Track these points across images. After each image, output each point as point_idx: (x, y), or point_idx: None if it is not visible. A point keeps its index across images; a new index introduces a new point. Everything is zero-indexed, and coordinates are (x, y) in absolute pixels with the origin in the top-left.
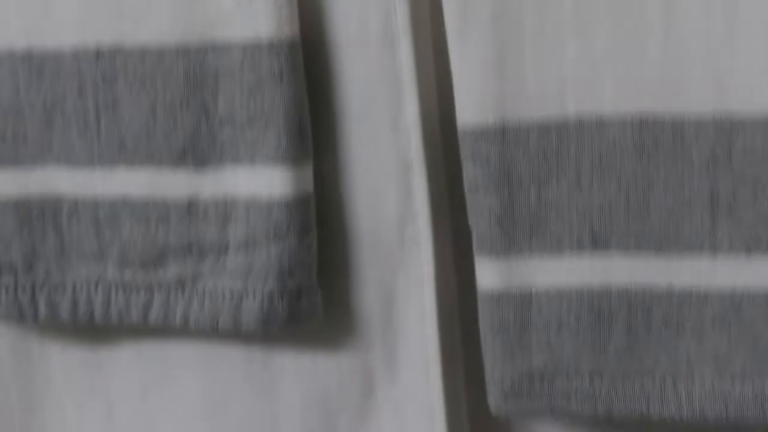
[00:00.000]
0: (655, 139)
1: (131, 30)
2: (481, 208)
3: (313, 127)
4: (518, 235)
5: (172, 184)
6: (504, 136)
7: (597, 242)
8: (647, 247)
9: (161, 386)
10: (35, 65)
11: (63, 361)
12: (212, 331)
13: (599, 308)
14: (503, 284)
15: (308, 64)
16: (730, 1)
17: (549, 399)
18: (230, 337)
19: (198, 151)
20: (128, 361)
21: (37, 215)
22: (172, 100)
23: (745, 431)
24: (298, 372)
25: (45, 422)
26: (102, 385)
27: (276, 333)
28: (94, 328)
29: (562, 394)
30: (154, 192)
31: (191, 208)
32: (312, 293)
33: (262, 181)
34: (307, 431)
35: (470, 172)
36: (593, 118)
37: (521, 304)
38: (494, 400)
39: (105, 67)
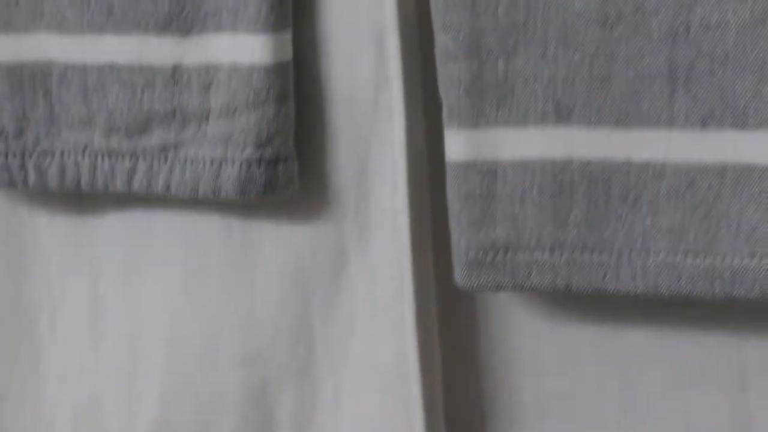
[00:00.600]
0: (617, 11)
1: None
2: (450, 78)
3: None
4: (486, 106)
5: (158, 50)
6: (474, 5)
7: (560, 114)
8: (608, 120)
9: (144, 256)
10: None
11: (51, 231)
12: (192, 198)
13: (561, 180)
14: (470, 155)
15: None
16: None
17: (511, 271)
18: (210, 207)
19: (183, 18)
20: (113, 232)
21: (28, 81)
22: None
23: (697, 304)
24: (275, 240)
25: (32, 292)
26: (88, 255)
27: (254, 202)
28: (81, 200)
29: (524, 267)
30: (141, 58)
31: (175, 74)
32: (289, 161)
33: (243, 49)
34: (282, 299)
35: (441, 42)
36: None
37: (487, 175)
38: (459, 271)
39: None
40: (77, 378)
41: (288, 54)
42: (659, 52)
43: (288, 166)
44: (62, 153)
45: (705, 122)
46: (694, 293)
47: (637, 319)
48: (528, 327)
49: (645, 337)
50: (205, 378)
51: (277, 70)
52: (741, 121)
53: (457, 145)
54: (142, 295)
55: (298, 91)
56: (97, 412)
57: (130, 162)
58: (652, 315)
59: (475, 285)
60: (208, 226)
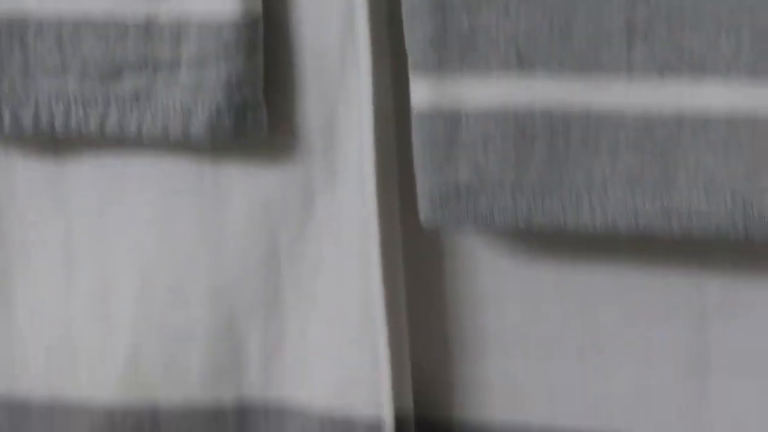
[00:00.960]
0: None
1: None
2: (416, 32)
3: None
4: (450, 57)
5: (131, 4)
6: None
7: (522, 64)
8: (568, 69)
9: (117, 198)
10: None
11: (26, 176)
12: (164, 142)
13: (523, 127)
14: (435, 102)
15: None
16: None
17: (474, 212)
18: (182, 152)
19: None
20: (87, 176)
21: (5, 33)
22: None
23: (657, 244)
24: (244, 185)
25: (7, 234)
26: (62, 198)
27: (224, 147)
28: (56, 145)
29: (486, 208)
30: (114, 11)
31: (148, 27)
32: (257, 108)
33: (215, 2)
34: (250, 237)
35: None
36: None
37: (451, 121)
38: (423, 211)
39: None
40: (50, 315)
41: (258, 8)
42: (618, 6)
43: (256, 113)
44: (37, 99)
45: (662, 71)
46: (652, 231)
47: (598, 258)
48: (492, 265)
49: (606, 276)
50: (175, 312)
51: (246, 23)
52: (698, 71)
53: (422, 93)
54: (115, 234)
55: (267, 44)
56: (69, 348)
57: (103, 107)
58: (613, 254)
59: (439, 224)
60: (180, 169)
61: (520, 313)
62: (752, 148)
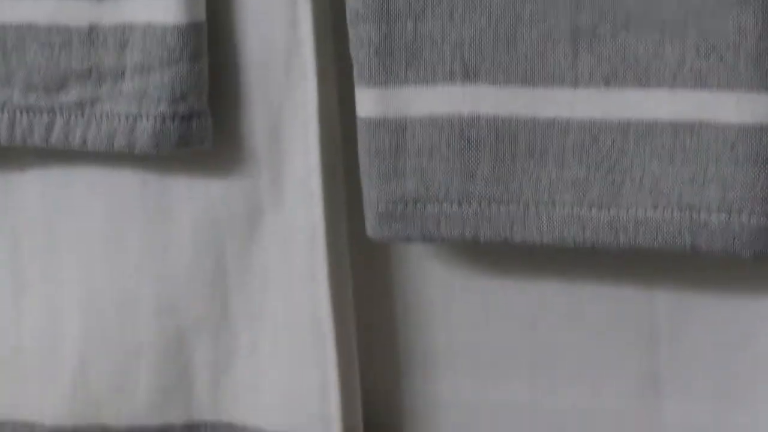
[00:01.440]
0: None
1: None
2: (361, 39)
3: None
4: (395, 66)
5: (75, 11)
6: None
7: (468, 73)
8: (514, 78)
9: (64, 209)
10: None
11: None
12: (109, 152)
13: (468, 136)
14: (380, 112)
15: None
16: None
17: (420, 223)
18: (128, 162)
19: None
20: (33, 187)
21: None
22: None
23: (606, 258)
24: (190, 196)
25: None
26: (8, 210)
27: (170, 158)
28: (1, 153)
29: (433, 219)
30: (58, 19)
31: (92, 34)
32: (203, 117)
33: (158, 9)
34: (197, 251)
35: (352, 5)
36: None
37: (397, 130)
38: (370, 223)
39: None
40: None
41: (201, 14)
42: (563, 14)
43: (201, 122)
44: None
45: (608, 80)
46: (599, 243)
47: (546, 272)
48: (440, 280)
49: (555, 290)
50: (123, 328)
51: (190, 30)
52: (643, 80)
53: (367, 103)
54: (62, 248)
55: (212, 51)
56: (18, 364)
57: (48, 117)
58: (562, 268)
59: (386, 236)
60: (126, 180)
61: (469, 329)
62: (698, 157)
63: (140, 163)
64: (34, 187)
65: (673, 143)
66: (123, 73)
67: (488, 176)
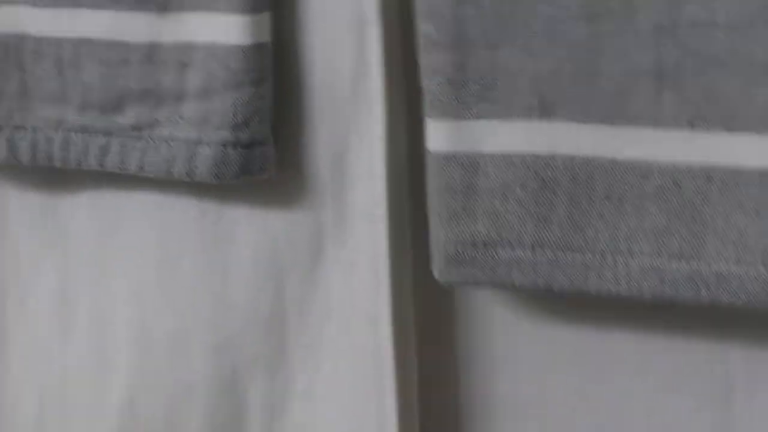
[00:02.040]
0: (605, 6)
1: None
2: (433, 68)
3: None
4: (468, 98)
5: (134, 27)
6: None
7: (545, 108)
8: (593, 116)
9: (116, 235)
10: None
11: (21, 208)
12: (166, 179)
13: (544, 176)
14: (451, 146)
15: None
16: None
17: (491, 268)
18: (185, 189)
19: None
20: (85, 211)
21: (2, 54)
22: None
23: (680, 309)
24: (250, 226)
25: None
26: (58, 234)
27: (230, 185)
28: (53, 176)
29: (504, 265)
30: (116, 34)
31: (151, 52)
32: (266, 145)
33: (221, 29)
34: (256, 286)
35: (424, 30)
36: None
37: (468, 167)
38: (438, 265)
39: None
40: (45, 360)
41: (266, 36)
42: (647, 49)
43: (264, 150)
44: (35, 128)
45: (693, 122)
46: (678, 298)
47: (619, 323)
48: (507, 326)
49: (626, 342)
50: (175, 365)
51: (255, 51)
52: (730, 123)
53: (438, 136)
54: (113, 277)
55: (276, 74)
56: (63, 396)
57: (103, 139)
58: (635, 319)
59: (454, 280)
60: (182, 208)
61: (535, 380)
62: None
63: (197, 188)
64: (86, 209)
65: (760, 194)
66: (183, 96)
67: (564, 221)
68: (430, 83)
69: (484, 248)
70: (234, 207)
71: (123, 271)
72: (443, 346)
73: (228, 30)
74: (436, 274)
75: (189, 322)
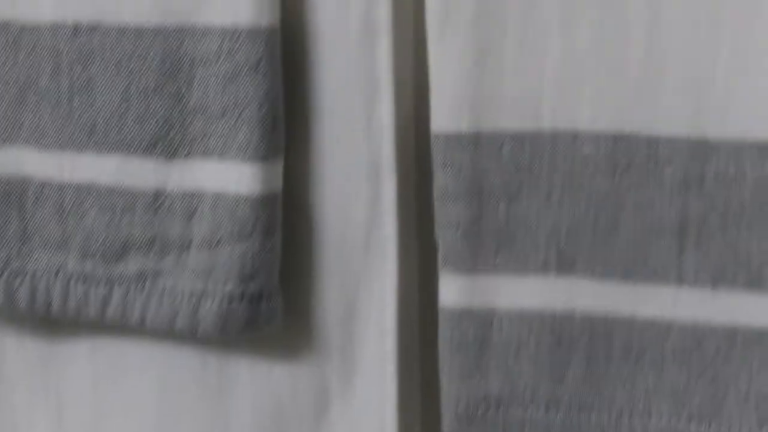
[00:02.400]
0: (628, 157)
1: (111, 8)
2: (449, 219)
3: (285, 122)
4: (484, 252)
5: (140, 173)
6: (477, 144)
7: (563, 264)
8: (613, 272)
9: (114, 385)
10: (12, 37)
11: (18, 356)
12: (168, 332)
13: (560, 333)
14: (465, 301)
15: (285, 56)
16: (713, 24)
17: (503, 428)
18: (186, 339)
19: (168, 141)
20: (82, 357)
21: (2, 196)
22: (147, 84)
23: None
24: (252, 380)
25: None
26: (54, 381)
27: (233, 336)
28: (52, 324)
29: (517, 424)
30: (122, 180)
31: (157, 199)
32: (273, 297)
33: (231, 177)
34: None
35: (441, 181)
36: (568, 132)
37: (482, 323)
38: (448, 423)
39: (82, 45)
40: None
41: (278, 185)
42: (670, 203)
43: (272, 303)
44: (34, 274)
45: (716, 281)
46: None
47: None
48: None
49: None
50: None
51: (265, 201)
52: (755, 283)
53: (451, 291)
54: (109, 426)
55: (285, 222)
56: None
57: (105, 289)
58: None
59: None
60: (183, 358)
61: None
62: None
63: (200, 338)
64: (84, 358)
65: None
66: (189, 245)
67: (579, 379)
68: (445, 235)
69: (496, 407)
70: (237, 359)
71: (120, 421)
72: None
73: (238, 179)
74: (446, 431)
75: None
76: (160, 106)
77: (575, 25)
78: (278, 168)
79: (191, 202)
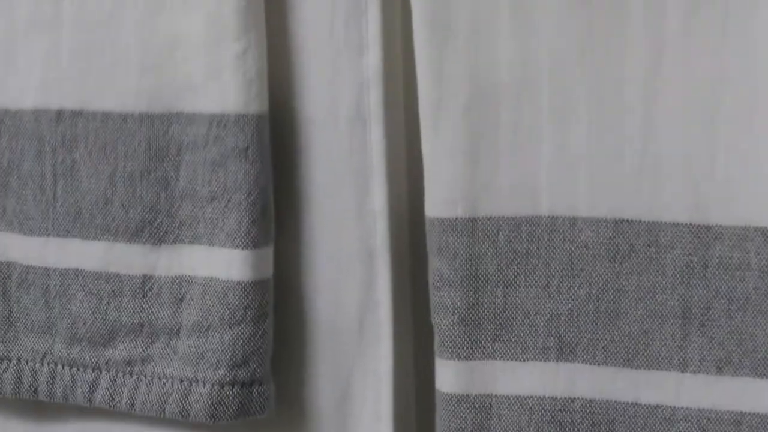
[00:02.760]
0: (629, 244)
1: (95, 95)
2: (444, 305)
3: (275, 206)
4: (482, 338)
5: (127, 258)
6: (473, 230)
7: (563, 351)
8: (615, 359)
9: None
10: None
11: None
12: (159, 418)
13: (561, 420)
14: (463, 388)
15: (274, 141)
16: (710, 116)
17: None
18: (175, 422)
19: (156, 227)
20: None
21: None
22: (133, 169)
23: None
24: None
25: None
26: None
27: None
28: (39, 407)
29: None
30: (108, 266)
31: (145, 284)
32: (265, 384)
33: (220, 263)
34: None
35: (436, 267)
36: (566, 219)
37: (480, 410)
38: None
39: (65, 130)
40: None
41: (268, 271)
42: (673, 289)
43: (263, 389)
44: (19, 360)
45: (721, 367)
46: None
47: None
48: None
49: None
50: None
51: (255, 288)
52: (761, 369)
53: (448, 377)
54: None
55: (277, 307)
56: None
57: (92, 374)
58: None
59: None
60: None
61: None
62: None
63: (190, 423)
64: None
65: None
66: (178, 331)
67: None
68: (441, 321)
69: None
70: None
71: None
72: None
73: (227, 265)
74: None
75: None
76: (147, 191)
77: (569, 115)
78: (269, 254)
79: (180, 287)
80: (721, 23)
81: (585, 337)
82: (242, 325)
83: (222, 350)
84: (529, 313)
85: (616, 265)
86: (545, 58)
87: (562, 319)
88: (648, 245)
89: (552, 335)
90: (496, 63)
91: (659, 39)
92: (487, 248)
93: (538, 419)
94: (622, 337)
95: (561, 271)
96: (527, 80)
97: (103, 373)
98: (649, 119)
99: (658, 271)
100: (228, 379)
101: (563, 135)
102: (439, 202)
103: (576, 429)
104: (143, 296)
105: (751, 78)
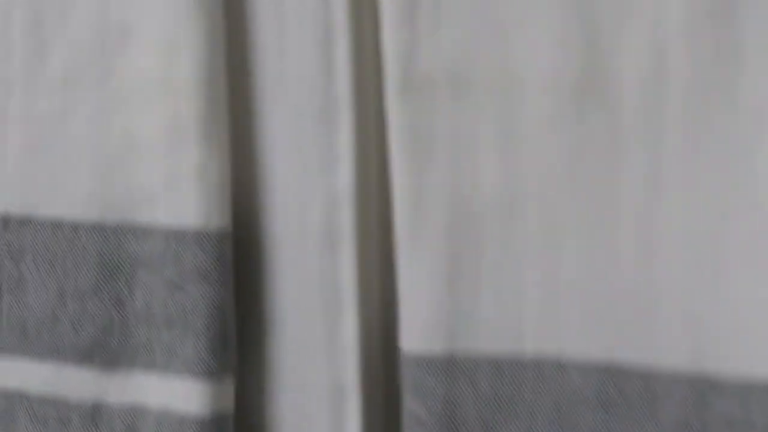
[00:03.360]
0: (621, 392)
1: (44, 201)
2: None
3: (237, 335)
4: None
5: (76, 383)
6: (451, 370)
7: None
8: None
9: None
10: None
11: None
12: None
13: None
14: None
15: (237, 262)
16: (713, 254)
17: None
18: None
19: (108, 350)
20: None
21: None
22: (84, 285)
23: None
24: None
25: None
26: None
27: None
28: None
29: None
30: (56, 390)
31: (95, 413)
32: None
33: (177, 394)
34: None
35: (410, 407)
36: (553, 361)
37: None
38: None
39: (12, 239)
40: None
41: (229, 405)
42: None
43: None
44: None
45: None
46: None
47: None
48: None
49: None
50: None
51: (214, 423)
52: None
53: None
54: None
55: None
56: None
57: None
58: None
59: None
60: None
61: None
62: None
63: None
64: None
65: None
66: None
67: None
68: None
69: None
70: None
71: None
72: None
73: (184, 397)
74: None
75: None
76: (98, 309)
77: (558, 239)
78: (229, 386)
79: (133, 418)
80: (725, 143)
81: None
82: None
83: None
84: None
85: (606, 416)
86: (533, 176)
87: None
88: (641, 396)
89: None
90: (479, 181)
91: (657, 155)
92: (467, 390)
93: None
94: None
95: (546, 419)
96: (513, 200)
97: None
98: (645, 258)
99: (652, 426)
100: None
101: (551, 260)
102: (414, 337)
103: None
104: (95, 425)
105: (758, 209)
